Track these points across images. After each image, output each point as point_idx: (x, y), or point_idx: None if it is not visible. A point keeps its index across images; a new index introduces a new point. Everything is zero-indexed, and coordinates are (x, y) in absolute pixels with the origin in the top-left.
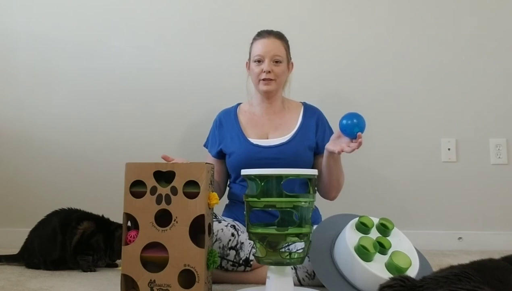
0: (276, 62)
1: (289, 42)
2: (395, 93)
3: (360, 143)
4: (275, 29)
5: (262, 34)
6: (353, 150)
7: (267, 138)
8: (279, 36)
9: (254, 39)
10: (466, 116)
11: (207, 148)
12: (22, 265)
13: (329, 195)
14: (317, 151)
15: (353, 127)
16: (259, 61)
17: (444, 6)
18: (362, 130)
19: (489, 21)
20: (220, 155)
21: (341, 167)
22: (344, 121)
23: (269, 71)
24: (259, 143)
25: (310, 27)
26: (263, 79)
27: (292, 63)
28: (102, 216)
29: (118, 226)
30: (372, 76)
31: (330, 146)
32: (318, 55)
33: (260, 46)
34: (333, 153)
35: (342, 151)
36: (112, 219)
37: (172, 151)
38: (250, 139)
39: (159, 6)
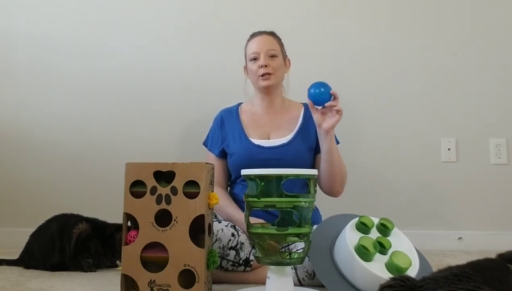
0: (272, 56)
1: (289, 42)
2: (395, 93)
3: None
4: (274, 29)
5: (253, 34)
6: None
7: (269, 138)
8: (271, 33)
9: (247, 41)
10: (466, 116)
11: (206, 146)
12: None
13: (333, 187)
14: (317, 151)
15: (320, 95)
16: (255, 59)
17: (444, 6)
18: (329, 98)
19: (489, 21)
20: (223, 154)
21: (339, 155)
22: (312, 91)
23: (266, 65)
24: (261, 144)
25: (310, 27)
26: (262, 75)
27: (289, 60)
28: (98, 219)
29: (117, 227)
30: (372, 76)
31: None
32: (318, 55)
33: (254, 45)
34: (323, 129)
35: (332, 126)
36: (112, 219)
37: (172, 151)
38: (251, 139)
39: (159, 6)
